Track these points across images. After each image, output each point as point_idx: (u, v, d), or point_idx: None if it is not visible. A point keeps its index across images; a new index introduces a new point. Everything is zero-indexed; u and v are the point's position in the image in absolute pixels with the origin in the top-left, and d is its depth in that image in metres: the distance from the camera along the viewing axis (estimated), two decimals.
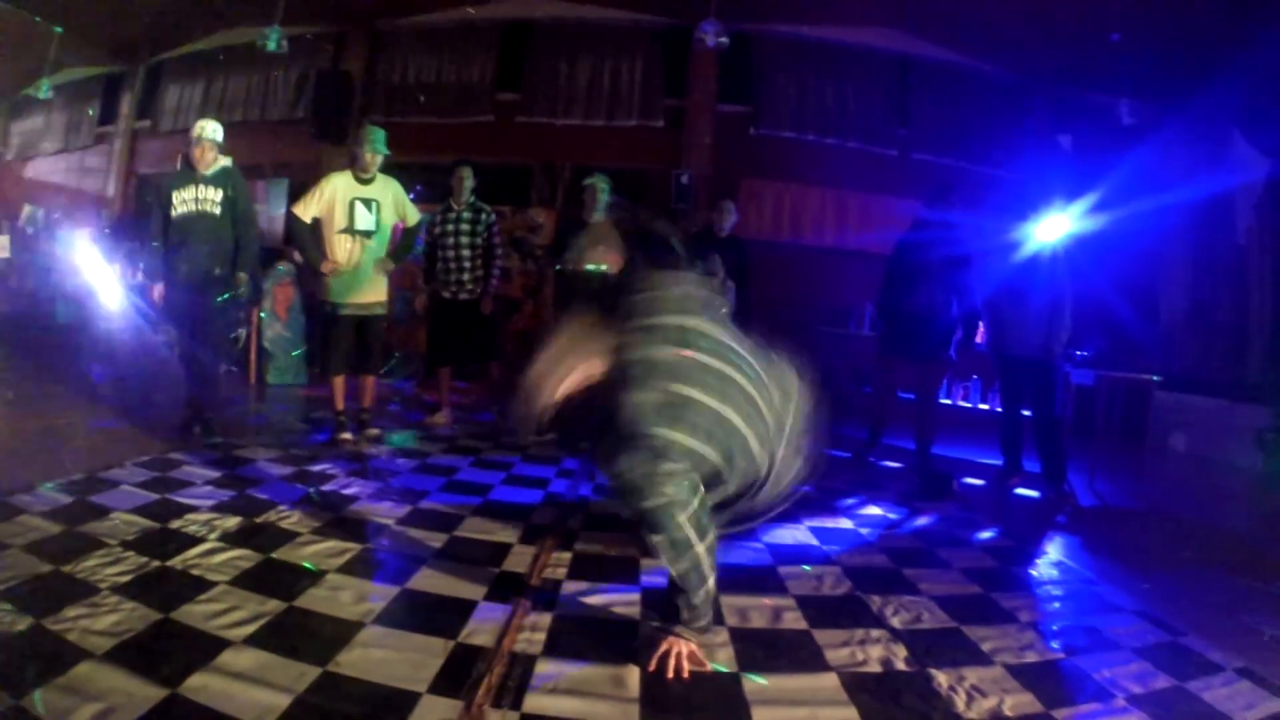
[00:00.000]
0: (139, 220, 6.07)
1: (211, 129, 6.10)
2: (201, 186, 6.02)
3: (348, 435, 6.64)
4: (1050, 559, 4.78)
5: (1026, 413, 6.93)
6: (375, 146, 6.49)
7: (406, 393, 9.40)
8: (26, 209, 16.03)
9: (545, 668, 2.86)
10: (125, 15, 13.34)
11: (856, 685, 2.90)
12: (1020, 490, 6.72)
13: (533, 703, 2.62)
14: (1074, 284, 6.63)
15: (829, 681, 2.93)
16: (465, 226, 7.46)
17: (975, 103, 11.89)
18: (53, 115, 16.35)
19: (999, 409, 7.41)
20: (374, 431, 6.87)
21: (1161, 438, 9.80)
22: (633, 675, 2.85)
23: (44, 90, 14.02)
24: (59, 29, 13.29)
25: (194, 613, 3.05)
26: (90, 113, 15.71)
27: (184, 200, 6.02)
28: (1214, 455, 9.03)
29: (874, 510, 5.71)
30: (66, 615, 2.92)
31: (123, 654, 2.68)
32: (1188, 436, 9.54)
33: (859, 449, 7.65)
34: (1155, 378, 8.10)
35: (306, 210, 6.41)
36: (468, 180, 7.54)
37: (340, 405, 6.76)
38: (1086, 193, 7.64)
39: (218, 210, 6.08)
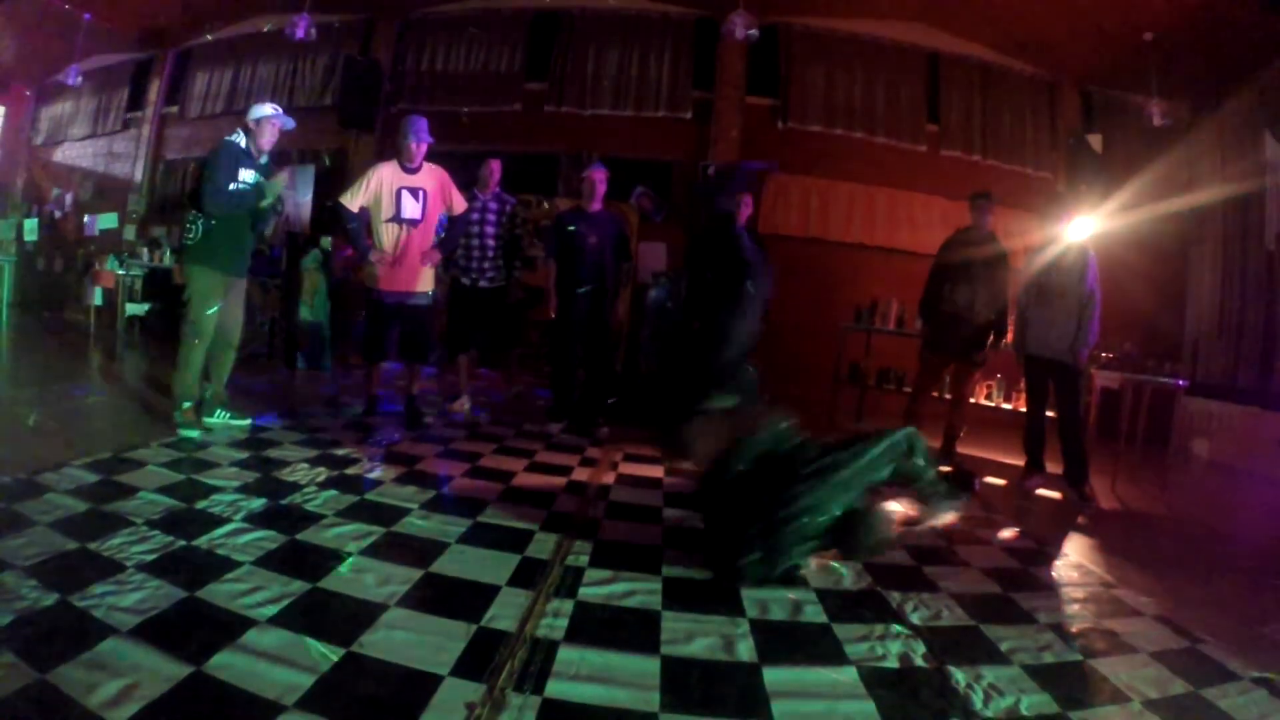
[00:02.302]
0: (203, 186, 5.75)
1: (290, 125, 6.10)
2: (255, 171, 5.92)
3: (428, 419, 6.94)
4: (1070, 561, 4.76)
5: (1050, 414, 6.91)
6: (419, 135, 6.50)
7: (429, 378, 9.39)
8: (54, 192, 16.16)
9: (567, 654, 2.87)
10: (154, 1, 13.41)
11: (875, 680, 2.89)
12: (1041, 491, 6.70)
13: (554, 688, 2.62)
14: (1102, 285, 6.59)
15: (848, 675, 2.91)
16: (490, 216, 7.51)
17: (1006, 100, 11.82)
18: (82, 101, 16.45)
19: (1024, 409, 7.40)
20: (427, 419, 6.97)
21: (1185, 443, 9.73)
22: (653, 664, 2.86)
23: (73, 76, 14.12)
24: (88, 15, 13.35)
25: (219, 592, 3.06)
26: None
27: (243, 180, 5.86)
28: (1238, 463, 8.96)
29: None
30: (92, 592, 2.93)
31: (148, 631, 2.69)
32: (1212, 443, 9.48)
33: None
34: (1181, 382, 8.02)
35: (353, 200, 6.46)
36: (497, 172, 7.61)
37: (374, 390, 6.88)
38: (1117, 193, 7.61)
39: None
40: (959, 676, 2.96)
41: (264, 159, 6.05)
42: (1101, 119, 11.59)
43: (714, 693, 2.72)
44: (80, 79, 14.39)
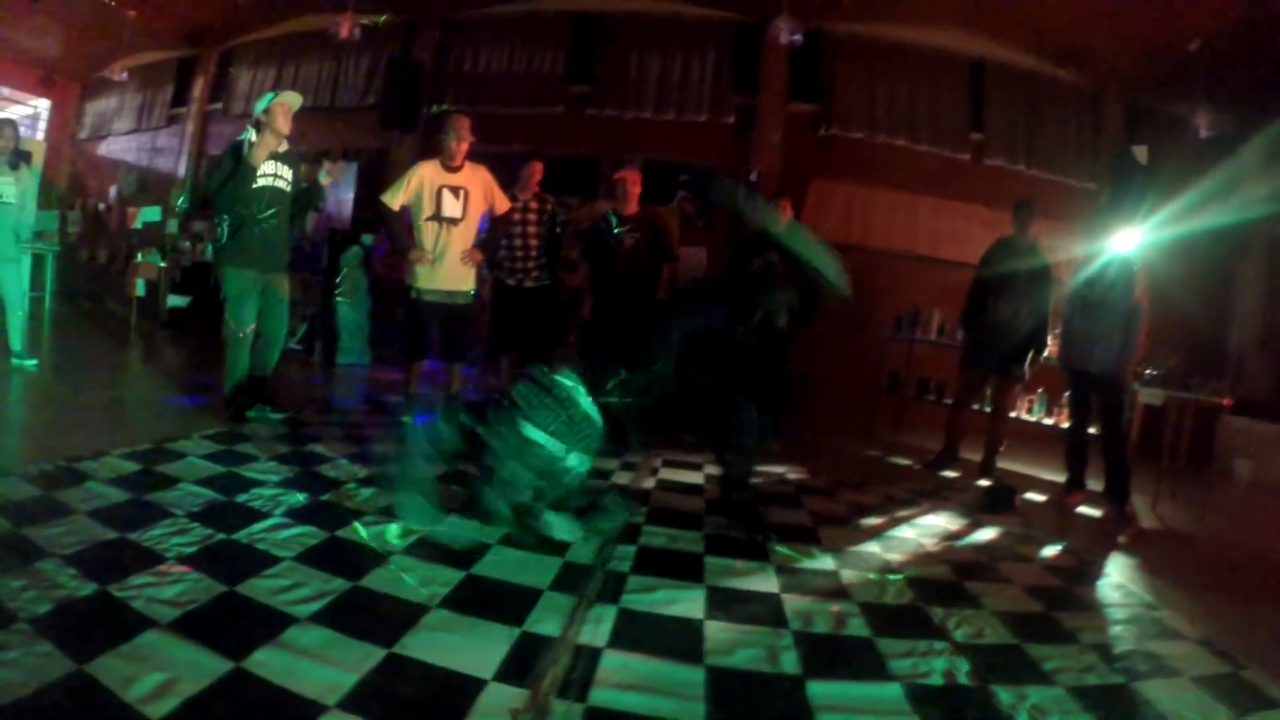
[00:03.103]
0: (213, 185, 5.90)
1: (298, 100, 6.08)
2: (275, 162, 5.97)
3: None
4: (1112, 580, 4.66)
5: (1093, 430, 6.82)
6: (460, 135, 6.49)
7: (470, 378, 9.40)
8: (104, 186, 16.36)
9: (611, 661, 2.83)
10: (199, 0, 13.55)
11: (920, 697, 2.83)
12: (1082, 508, 6.60)
13: (598, 696, 2.58)
14: (1148, 300, 6.50)
15: (893, 692, 2.86)
16: (532, 216, 7.48)
17: (1050, 109, 11.70)
18: (127, 96, 16.62)
19: (1065, 424, 7.31)
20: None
21: (1228, 463, 9.58)
22: (698, 674, 2.82)
23: (119, 72, 14.31)
24: (133, 12, 13.49)
25: (259, 587, 3.05)
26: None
27: (265, 174, 5.91)
28: None
29: (936, 521, 5.63)
30: (132, 583, 2.93)
31: (188, 625, 2.67)
32: (1255, 464, 9.32)
33: (933, 459, 7.65)
34: (1225, 401, 7.89)
35: (394, 199, 6.46)
36: (538, 174, 7.58)
37: (415, 388, 6.87)
38: (1162, 206, 7.50)
39: (288, 189, 6.08)
40: (1003, 696, 2.89)
41: (283, 146, 6.07)
42: (1147, 130, 11.42)
43: (759, 705, 2.68)
44: (125, 75, 14.57)
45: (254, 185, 5.81)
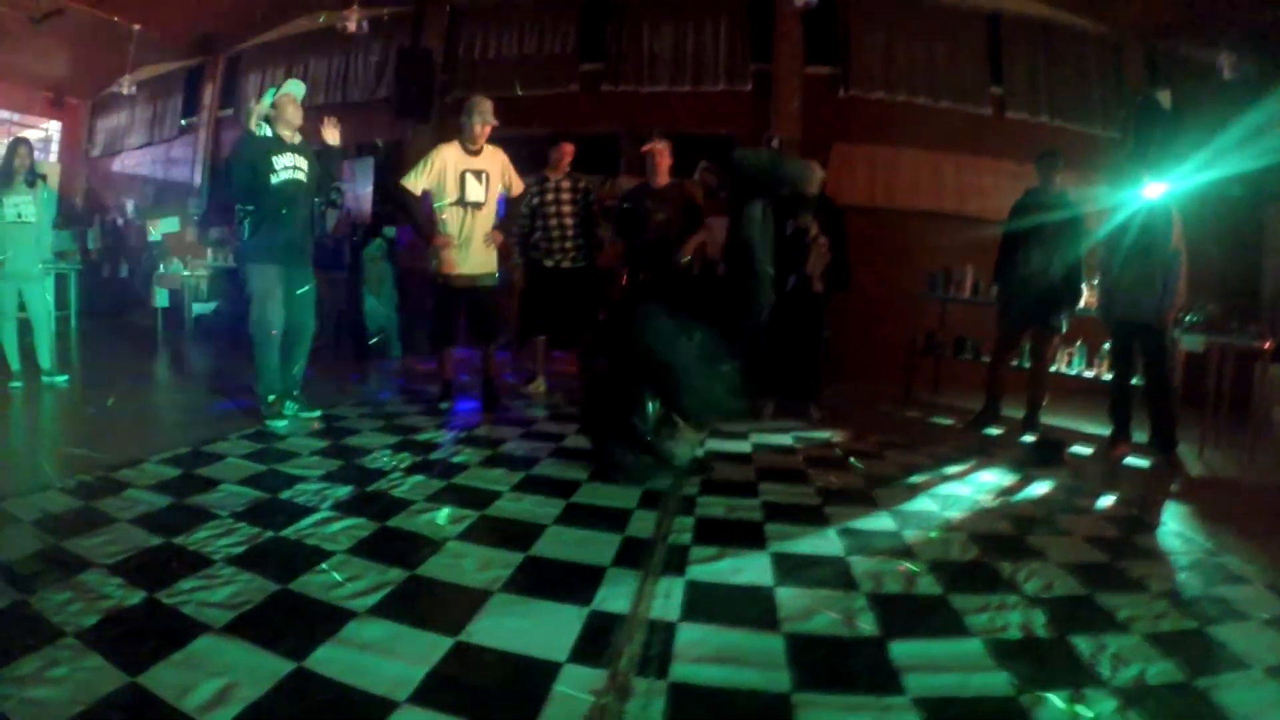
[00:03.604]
0: (231, 183, 5.92)
1: (301, 88, 6.07)
2: (292, 154, 5.91)
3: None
4: (1170, 529, 4.60)
5: (1135, 380, 6.70)
6: (484, 118, 6.42)
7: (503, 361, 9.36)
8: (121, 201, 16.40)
9: (687, 635, 2.77)
10: (204, 8, 13.49)
11: (1002, 651, 2.78)
12: (1129, 459, 6.49)
13: (679, 671, 2.51)
14: (1185, 246, 6.35)
15: (974, 647, 2.82)
16: (565, 196, 7.45)
17: (1070, 59, 11.48)
18: (137, 110, 16.63)
19: (1108, 375, 7.19)
20: (505, 401, 6.99)
21: (1266, 410, 9.40)
22: (777, 641, 2.75)
23: (127, 86, 14.29)
24: (138, 26, 13.46)
25: (313, 583, 2.99)
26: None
27: (284, 166, 5.85)
28: None
29: (988, 477, 5.56)
30: (180, 588, 2.86)
31: (243, 627, 2.61)
32: None
33: (975, 417, 7.58)
34: (1266, 344, 7.73)
35: (416, 184, 6.40)
36: (569, 155, 7.56)
37: (449, 375, 6.88)
38: (1193, 151, 7.35)
39: (307, 180, 6.01)
40: (1083, 646, 2.84)
41: (298, 139, 6.02)
42: (1169, 74, 11.21)
43: (843, 669, 2.61)
44: (134, 89, 14.57)
45: (273, 180, 5.76)
